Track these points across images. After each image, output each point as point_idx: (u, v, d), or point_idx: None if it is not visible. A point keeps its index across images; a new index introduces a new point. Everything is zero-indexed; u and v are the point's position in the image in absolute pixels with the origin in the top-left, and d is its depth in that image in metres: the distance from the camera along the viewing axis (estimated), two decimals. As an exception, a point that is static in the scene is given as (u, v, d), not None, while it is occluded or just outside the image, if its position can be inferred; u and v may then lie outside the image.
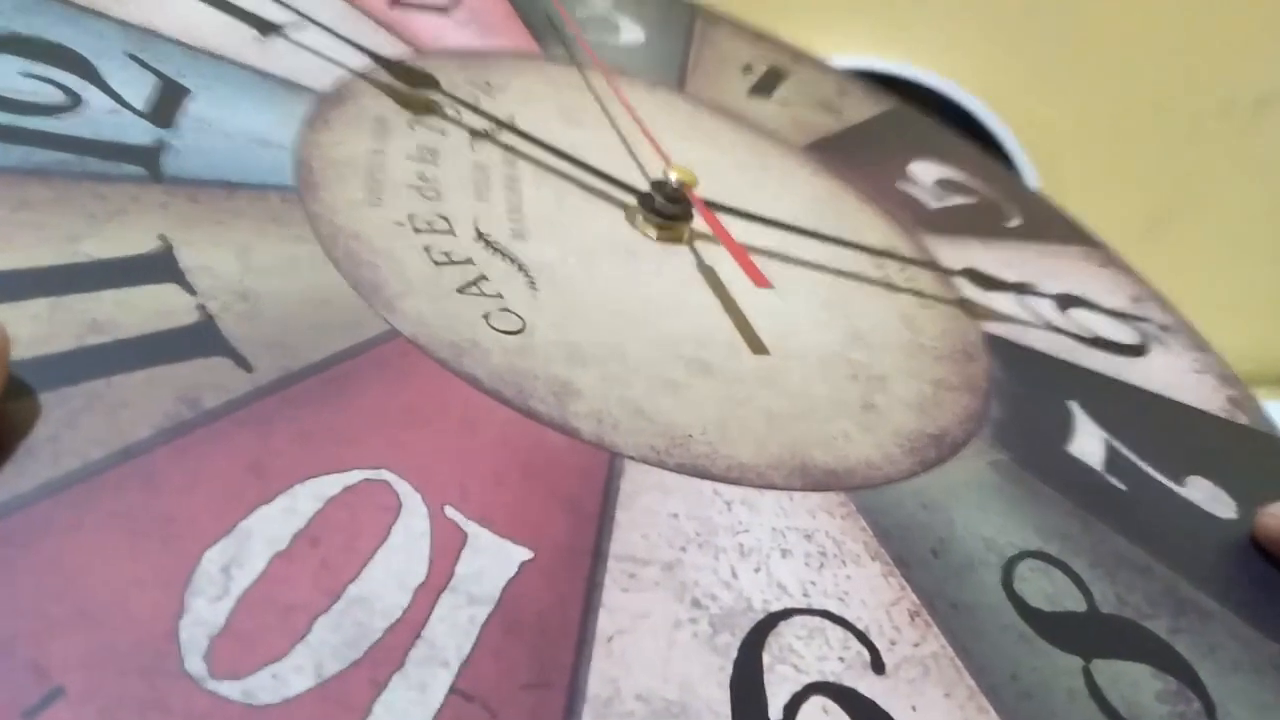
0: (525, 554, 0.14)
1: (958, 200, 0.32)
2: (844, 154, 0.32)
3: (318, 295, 0.17)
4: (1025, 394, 0.23)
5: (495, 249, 0.20)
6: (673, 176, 0.23)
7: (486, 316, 0.18)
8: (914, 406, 0.21)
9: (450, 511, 0.14)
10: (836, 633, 0.15)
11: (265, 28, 0.24)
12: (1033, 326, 0.26)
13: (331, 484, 0.14)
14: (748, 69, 0.34)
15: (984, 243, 0.30)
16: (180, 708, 0.11)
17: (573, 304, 0.20)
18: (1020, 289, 0.27)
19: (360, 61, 0.24)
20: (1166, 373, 0.27)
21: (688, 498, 0.17)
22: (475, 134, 0.24)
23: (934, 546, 0.18)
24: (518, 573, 0.14)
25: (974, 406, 0.22)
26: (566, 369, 0.18)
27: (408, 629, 0.13)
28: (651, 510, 0.16)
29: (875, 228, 0.28)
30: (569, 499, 0.16)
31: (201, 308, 0.16)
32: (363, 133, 0.22)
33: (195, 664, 0.11)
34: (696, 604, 0.15)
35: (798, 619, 0.15)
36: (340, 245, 0.19)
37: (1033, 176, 0.50)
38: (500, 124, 0.24)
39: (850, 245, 0.25)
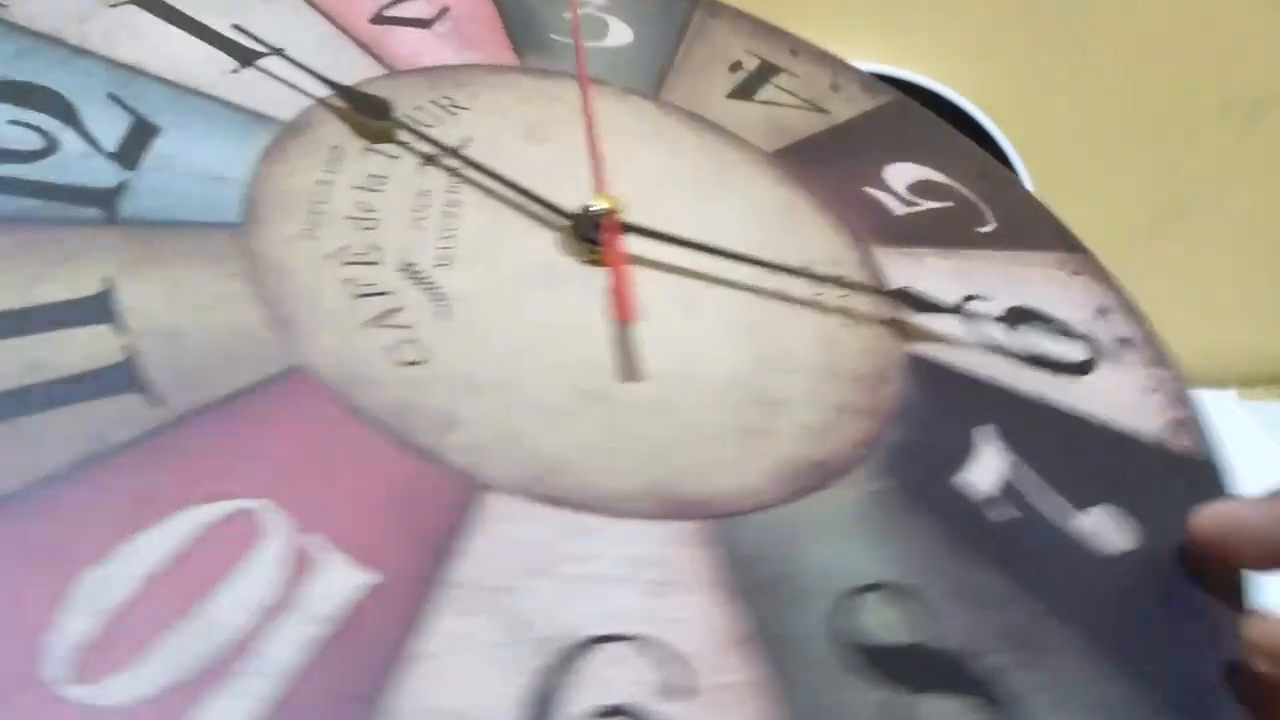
0: (371, 578, 0.17)
1: (929, 205, 0.32)
2: (818, 157, 0.32)
3: (236, 331, 0.20)
4: (934, 419, 0.24)
5: (418, 279, 0.22)
6: (595, 204, 0.24)
7: (391, 349, 0.21)
8: (806, 433, 0.22)
9: (310, 538, 0.17)
10: (654, 658, 0.17)
11: (246, 56, 0.26)
12: (966, 346, 0.27)
13: (208, 512, 0.17)
14: (737, 66, 0.35)
15: (942, 252, 0.30)
16: (27, 705, 0.14)
17: (481, 333, 0.22)
18: (957, 310, 0.27)
19: (324, 88, 0.26)
20: (1111, 392, 0.27)
21: (544, 527, 0.18)
22: (426, 159, 0.25)
23: (780, 576, 0.19)
24: (356, 595, 0.16)
25: (871, 432, 0.23)
26: (455, 400, 0.20)
27: (247, 645, 0.15)
28: (503, 539, 0.18)
29: (824, 240, 0.28)
30: (424, 528, 0.18)
31: (127, 346, 0.19)
32: (316, 162, 0.24)
33: (53, 671, 0.14)
34: (522, 628, 0.17)
35: (620, 644, 0.17)
36: (268, 281, 0.21)
37: (1030, 180, 0.49)
38: (444, 149, 0.26)
39: (769, 266, 0.26)
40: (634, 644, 0.17)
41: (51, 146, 0.22)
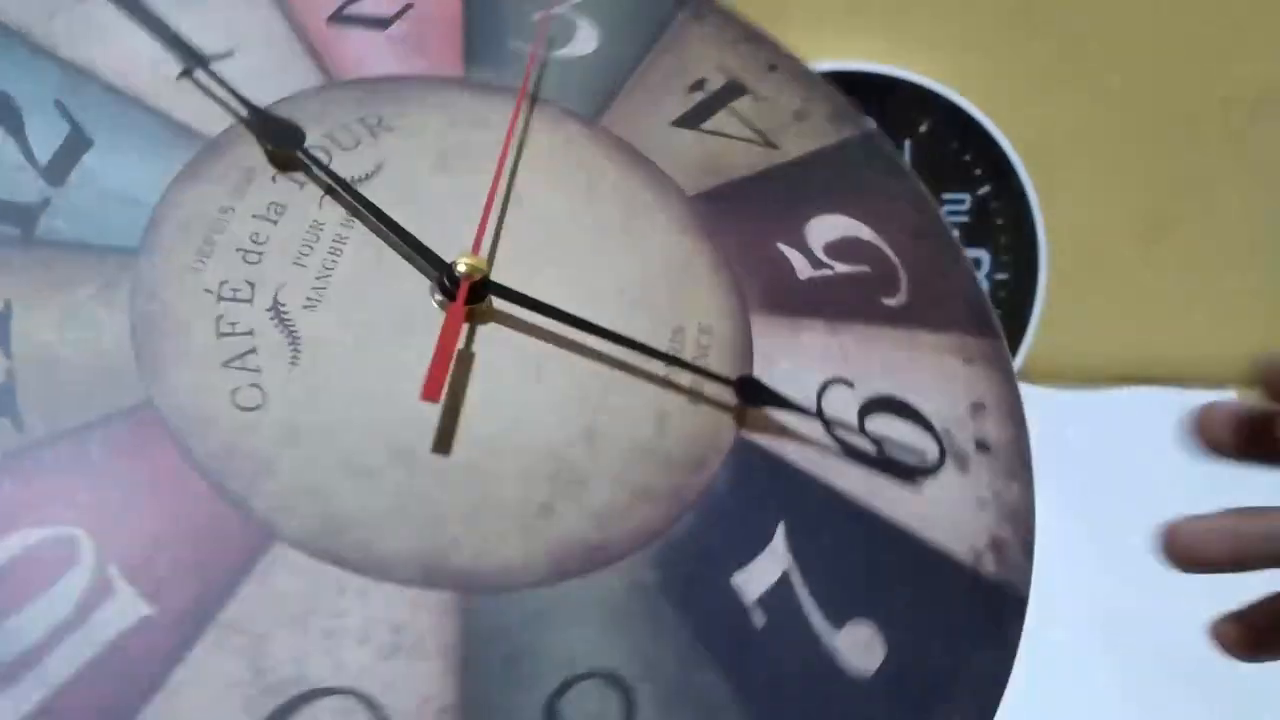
0: (148, 610, 0.21)
1: (841, 268, 0.32)
2: (743, 202, 0.33)
3: (105, 362, 0.23)
4: (736, 512, 0.26)
5: (282, 320, 0.25)
6: (460, 265, 0.26)
7: (234, 392, 0.24)
8: (595, 515, 0.25)
9: (111, 569, 0.21)
10: (364, 715, 0.21)
11: (193, 61, 0.29)
12: (801, 439, 0.28)
13: (35, 535, 0.21)
14: (698, 85, 0.35)
15: (831, 325, 0.31)
16: None
17: (321, 381, 0.25)
18: (800, 409, 0.28)
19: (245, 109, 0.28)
20: (938, 502, 0.28)
21: (311, 581, 0.22)
22: (328, 189, 0.28)
23: (515, 654, 0.22)
24: (135, 624, 0.20)
25: (662, 521, 0.25)
26: (276, 449, 0.23)
27: (34, 656, 0.20)
28: (272, 588, 0.22)
29: (706, 304, 0.30)
30: (210, 570, 0.21)
31: (10, 371, 0.23)
32: (225, 187, 0.27)
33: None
34: (260, 672, 0.21)
35: (337, 698, 0.21)
36: (146, 312, 0.24)
37: (1030, 180, 0.49)
38: (339, 183, 0.28)
39: (618, 340, 0.27)
40: (350, 698, 0.21)
41: (-11, 157, 0.25)
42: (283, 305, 0.26)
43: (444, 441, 0.25)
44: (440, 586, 0.23)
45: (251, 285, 0.26)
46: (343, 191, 0.27)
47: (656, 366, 0.28)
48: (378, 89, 0.31)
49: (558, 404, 0.26)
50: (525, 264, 0.28)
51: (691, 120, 0.34)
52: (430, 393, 0.23)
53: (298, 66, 0.30)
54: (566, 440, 0.26)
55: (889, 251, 0.33)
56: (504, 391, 0.26)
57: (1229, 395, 0.57)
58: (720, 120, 0.35)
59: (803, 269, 0.32)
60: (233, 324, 0.25)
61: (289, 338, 0.25)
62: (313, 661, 0.21)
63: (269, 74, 0.30)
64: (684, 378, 0.28)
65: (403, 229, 0.27)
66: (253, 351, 0.25)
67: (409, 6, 0.33)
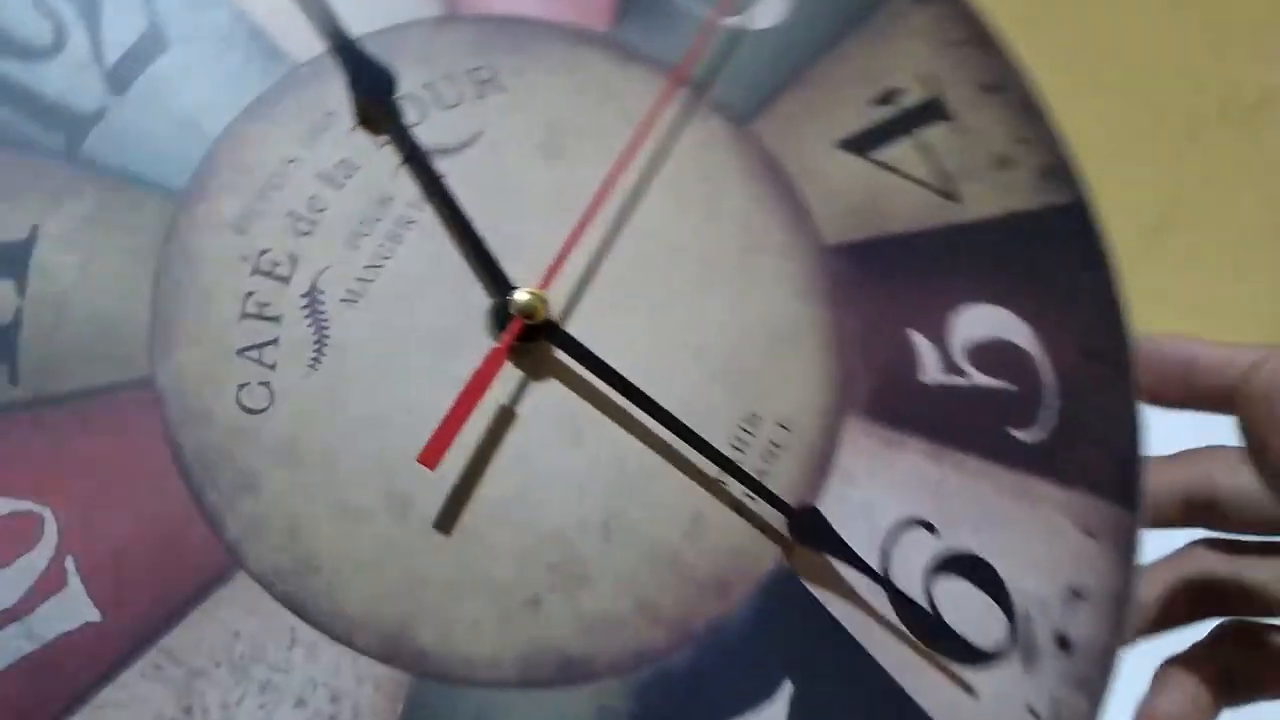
0: (95, 616, 0.20)
1: (976, 380, 0.27)
2: (890, 265, 0.27)
3: (117, 323, 0.22)
4: (743, 656, 0.23)
5: (315, 311, 0.23)
6: (517, 297, 0.22)
7: (242, 388, 0.22)
8: (585, 622, 0.22)
9: (69, 561, 0.20)
10: (277, 782, 0.20)
11: None
12: (843, 593, 0.24)
13: (2, 505, 0.20)
14: (888, 96, 0.28)
15: (935, 451, 0.26)
16: None
17: (336, 396, 0.22)
18: (862, 565, 0.24)
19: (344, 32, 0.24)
20: (979, 697, 0.24)
21: (264, 624, 0.21)
22: (406, 157, 0.24)
23: (448, 754, 0.21)
24: (78, 628, 0.20)
25: (655, 647, 0.23)
26: (267, 464, 0.21)
27: (-28, 638, 0.19)
28: (223, 622, 0.21)
29: (798, 391, 0.25)
30: (167, 586, 0.20)
31: (19, 310, 0.21)
32: (297, 131, 0.24)
33: None
34: (187, 711, 0.20)
35: (253, 759, 0.20)
36: (171, 272, 0.22)
37: None
38: (417, 157, 0.24)
39: (677, 430, 0.23)
40: (266, 766, 0.20)
41: (57, 45, 0.23)
42: (320, 294, 0.23)
43: (446, 497, 0.22)
44: (394, 663, 0.21)
45: (294, 261, 0.23)
46: (418, 166, 0.24)
47: (704, 462, 0.24)
48: (501, 32, 0.26)
49: (585, 480, 0.23)
50: (604, 296, 0.25)
51: (863, 144, 0.28)
52: (427, 457, 0.21)
53: (420, -12, 0.26)
54: (581, 526, 0.23)
55: (1046, 369, 0.28)
56: (530, 451, 0.23)
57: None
58: (899, 151, 0.28)
59: (930, 370, 0.27)
60: (262, 305, 0.23)
61: (316, 335, 0.23)
62: (240, 712, 0.20)
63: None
64: (734, 483, 0.24)
65: (472, 230, 0.24)
66: (273, 343, 0.22)
67: (572, -74, 0.28)
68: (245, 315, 0.22)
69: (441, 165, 0.24)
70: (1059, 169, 0.30)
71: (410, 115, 0.25)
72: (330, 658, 0.21)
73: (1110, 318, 0.28)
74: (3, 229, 0.21)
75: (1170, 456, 0.31)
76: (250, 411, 0.22)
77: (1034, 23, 0.49)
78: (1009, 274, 0.28)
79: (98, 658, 0.20)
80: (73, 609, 0.20)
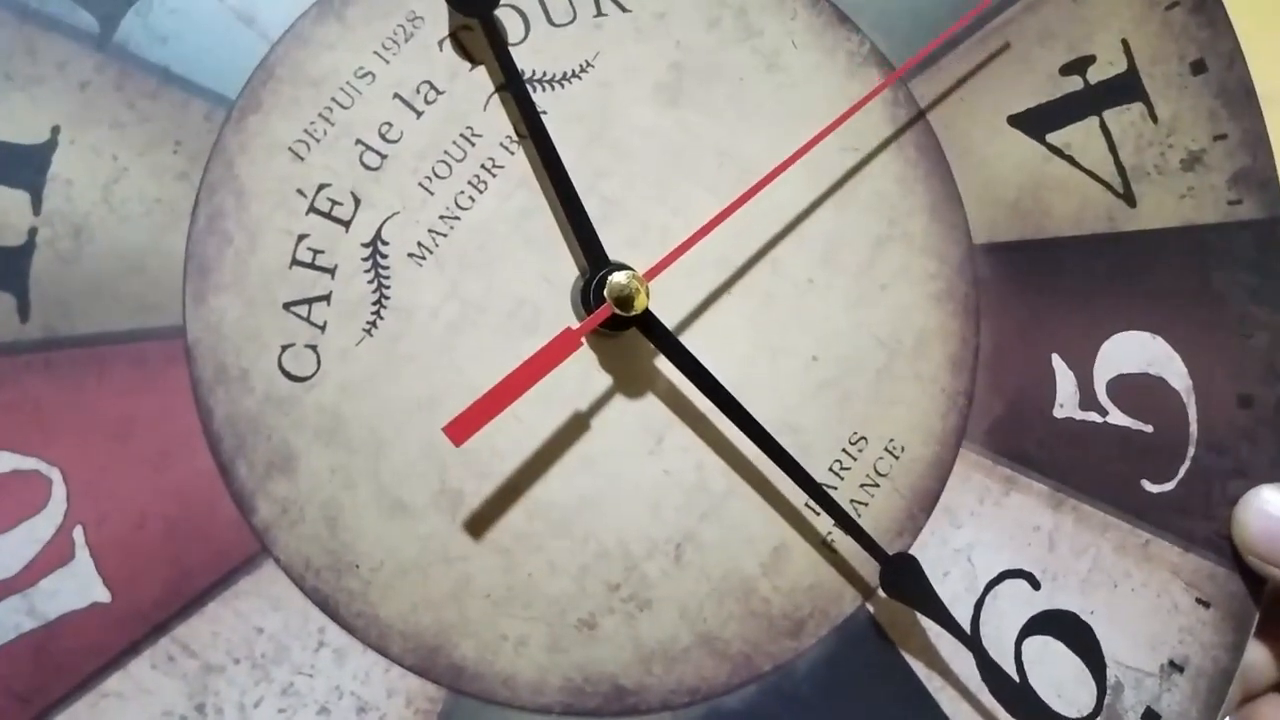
0: (104, 596, 0.18)
1: (1117, 419, 0.23)
2: (1045, 274, 0.23)
3: (145, 258, 0.18)
4: (808, 702, 0.21)
5: (377, 264, 0.19)
6: (617, 279, 0.19)
7: (285, 349, 0.19)
8: (643, 650, 0.20)
9: (77, 532, 0.18)
10: (292, 793, 0.18)
11: None
12: (932, 639, 0.21)
13: (6, 460, 0.17)
14: (1079, 65, 0.23)
15: (1058, 493, 0.23)
16: None
17: (392, 370, 0.19)
18: (952, 625, 0.21)
19: None
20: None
21: (290, 621, 0.18)
22: (501, 85, 0.20)
23: (477, 779, 0.19)
24: (84, 608, 0.18)
25: (720, 682, 0.20)
26: (306, 441, 0.19)
27: (-33, 608, 0.17)
28: (244, 615, 0.18)
29: (912, 412, 0.22)
30: (184, 569, 0.18)
31: (33, 231, 0.18)
32: (373, 35, 0.19)
33: None
34: (199, 709, 0.18)
35: (269, 766, 0.18)
36: (214, 201, 0.19)
37: None
38: (512, 86, 0.19)
39: (771, 452, 0.20)
40: (282, 775, 0.18)
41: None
42: (384, 244, 0.19)
43: (503, 498, 0.20)
44: (429, 675, 0.19)
45: (357, 201, 0.19)
46: (515, 99, 0.20)
47: (790, 489, 0.21)
48: (631, -67, 0.21)
49: (660, 495, 0.20)
50: (706, 283, 0.21)
51: (1039, 121, 0.23)
52: (455, 429, 0.18)
53: None
54: (650, 546, 0.20)
55: (1194, 414, 0.24)
56: (602, 455, 0.20)
57: None
58: (1079, 132, 0.24)
59: (1065, 402, 0.23)
60: (315, 251, 0.19)
61: (376, 293, 0.19)
62: (255, 714, 0.18)
63: None
64: (819, 517, 0.21)
65: (571, 188, 0.20)
66: (326, 299, 0.19)
67: None
68: (296, 262, 0.19)
69: (541, 99, 0.20)
70: (1256, 175, 0.25)
71: (512, 31, 0.20)
72: (360, 665, 0.19)
73: (1275, 360, 0.25)
74: (18, 127, 0.18)
75: None
76: (293, 378, 0.19)
77: None
78: (1174, 298, 0.24)
79: (104, 642, 0.18)
80: (80, 586, 0.18)
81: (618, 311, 0.19)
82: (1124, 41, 0.24)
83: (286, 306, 0.19)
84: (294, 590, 0.19)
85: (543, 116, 0.20)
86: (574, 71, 0.20)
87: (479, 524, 0.20)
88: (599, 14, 0.21)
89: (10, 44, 0.18)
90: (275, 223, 0.19)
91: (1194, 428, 0.24)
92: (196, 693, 0.18)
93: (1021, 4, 0.24)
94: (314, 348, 0.19)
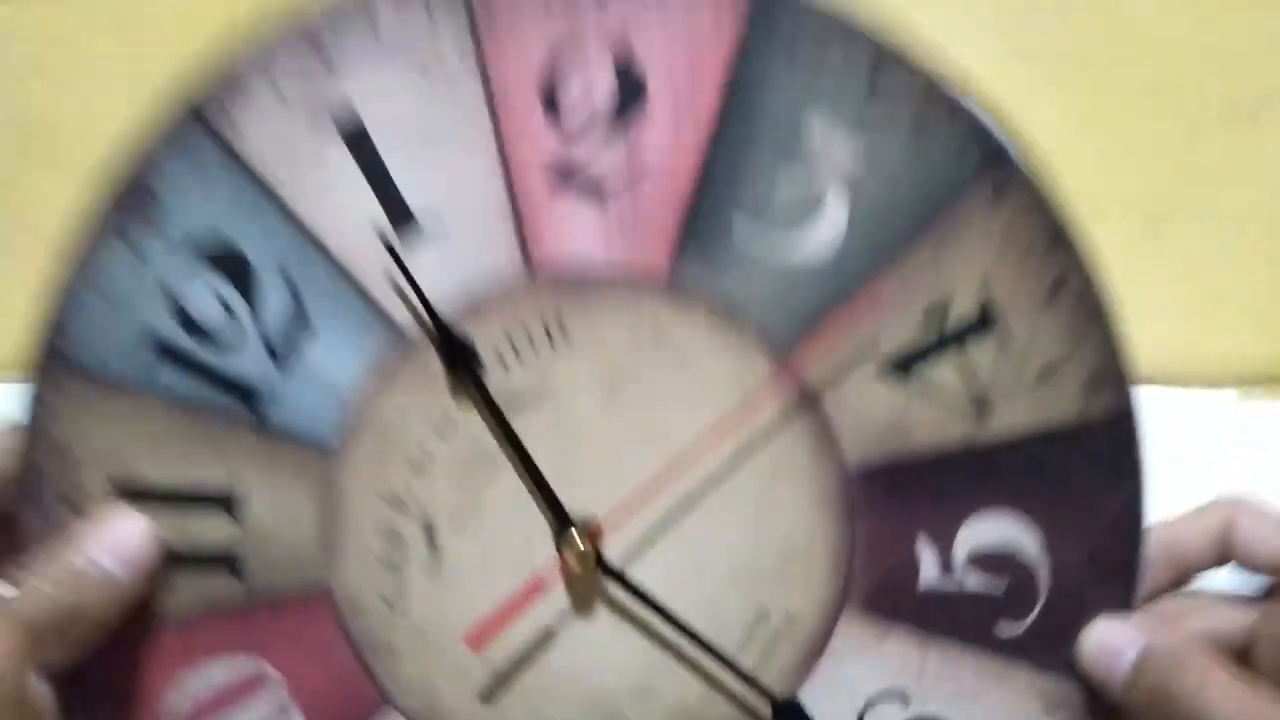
0: (308, 731, 0.31)
1: (972, 586, 0.30)
2: (906, 486, 0.30)
3: (298, 544, 0.30)
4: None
5: (430, 535, 0.30)
6: (571, 543, 0.29)
7: (383, 589, 0.31)
8: (622, 751, 0.31)
9: (289, 700, 0.31)
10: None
11: (403, 218, 0.29)
12: None
13: (237, 663, 0.31)
14: (940, 308, 0.29)
15: (924, 638, 0.31)
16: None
17: (449, 595, 0.31)
18: None
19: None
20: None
21: (408, 741, 0.31)
22: (484, 410, 0.30)
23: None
24: (299, 738, 0.31)
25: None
26: (406, 642, 0.31)
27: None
28: (383, 738, 0.31)
29: (808, 591, 0.31)
30: (337, 714, 0.31)
31: (232, 536, 0.30)
32: (411, 392, 0.30)
33: None
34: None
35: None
36: (333, 506, 0.30)
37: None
38: (491, 412, 0.29)
39: (693, 639, 0.30)
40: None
41: (234, 331, 0.30)
42: (435, 522, 0.31)
43: (516, 664, 0.31)
44: (491, 770, 0.32)
45: (415, 497, 0.31)
46: (495, 420, 0.30)
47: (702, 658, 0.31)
48: (570, 283, 0.30)
49: (622, 661, 0.31)
50: (646, 522, 0.31)
51: (902, 365, 0.30)
52: (474, 640, 0.29)
53: (500, 245, 0.30)
54: (617, 692, 0.31)
55: (1043, 575, 0.31)
56: (582, 644, 0.31)
57: (1229, 395, 0.60)
58: (940, 368, 0.30)
59: (928, 577, 0.31)
60: (393, 532, 0.31)
61: (433, 552, 0.31)
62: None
63: (471, 246, 0.30)
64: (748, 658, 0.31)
65: (539, 474, 0.30)
66: (404, 560, 0.31)
67: (638, 162, 0.29)
68: (383, 539, 0.31)
69: (518, 412, 0.30)
70: (1107, 376, 0.30)
71: (491, 365, 0.30)
72: (451, 763, 0.32)
73: (1127, 532, 0.31)
74: (217, 479, 0.30)
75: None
76: (391, 606, 0.31)
77: (1036, 22, 0.53)
78: (1030, 485, 0.31)
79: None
80: (294, 726, 0.31)
81: (574, 564, 0.29)
82: (981, 281, 0.30)
83: (379, 561, 0.31)
84: (407, 724, 0.32)
85: (518, 422, 0.30)
86: (540, 387, 0.30)
87: (503, 684, 0.31)
88: (551, 347, 0.30)
89: (200, 426, 0.30)
90: (367, 515, 0.31)
91: (1044, 584, 0.31)
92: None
93: (893, 259, 0.30)
94: (401, 587, 0.31)
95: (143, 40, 0.55)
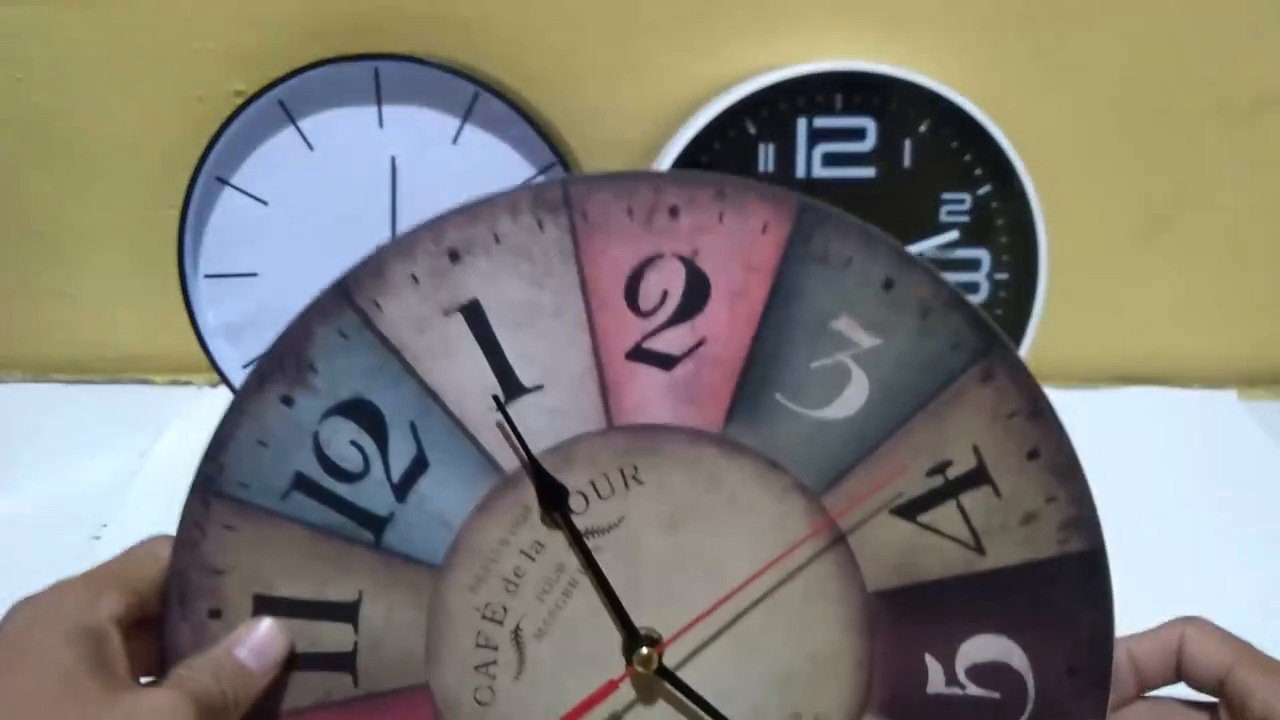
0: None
1: (973, 693, 0.37)
2: (917, 607, 0.37)
3: (406, 649, 0.36)
4: None
5: (518, 642, 0.36)
6: (639, 654, 0.35)
7: (476, 689, 0.36)
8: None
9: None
10: None
11: (512, 390, 0.36)
12: None
13: (357, 753, 0.36)
14: (940, 469, 0.36)
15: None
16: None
17: (533, 694, 0.37)
18: None
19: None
20: None
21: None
22: (571, 540, 0.36)
23: None
24: (397, 819, 0.36)
25: None
26: (492, 735, 0.36)
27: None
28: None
29: (834, 699, 0.37)
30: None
31: (356, 644, 0.36)
32: (506, 521, 0.36)
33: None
34: None
35: None
36: (437, 618, 0.36)
37: (1029, 179, 0.53)
38: (575, 541, 0.36)
39: None
40: None
41: (365, 470, 0.36)
42: (521, 630, 0.37)
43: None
44: None
45: (505, 610, 0.37)
46: (577, 548, 0.36)
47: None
48: (643, 437, 0.37)
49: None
50: (701, 637, 0.37)
51: (912, 510, 0.37)
52: None
53: (588, 406, 0.37)
54: (675, 779, 0.37)
55: (1030, 683, 0.37)
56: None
57: (1229, 395, 0.59)
58: (941, 514, 0.37)
59: (935, 684, 0.37)
60: (486, 639, 0.37)
61: (519, 657, 0.37)
62: None
63: (564, 411, 0.36)
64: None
65: (614, 594, 0.36)
66: (495, 663, 0.37)
67: (701, 343, 0.36)
68: (477, 645, 0.37)
69: (596, 541, 0.36)
70: (1079, 521, 0.37)
71: (578, 506, 0.36)
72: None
73: (1099, 650, 0.37)
74: (342, 593, 0.36)
75: None
76: (482, 704, 0.37)
77: (1035, 23, 0.54)
78: (1016, 611, 0.37)
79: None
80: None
81: (639, 670, 0.35)
82: (975, 446, 0.37)
83: (475, 668, 0.37)
84: (492, 808, 0.37)
85: (599, 552, 0.36)
86: (617, 522, 0.37)
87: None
88: (626, 488, 0.37)
89: (335, 550, 0.36)
90: (465, 626, 0.37)
91: (1031, 691, 0.37)
92: None
93: (903, 428, 0.37)
94: (491, 688, 0.37)
95: (143, 40, 0.54)
